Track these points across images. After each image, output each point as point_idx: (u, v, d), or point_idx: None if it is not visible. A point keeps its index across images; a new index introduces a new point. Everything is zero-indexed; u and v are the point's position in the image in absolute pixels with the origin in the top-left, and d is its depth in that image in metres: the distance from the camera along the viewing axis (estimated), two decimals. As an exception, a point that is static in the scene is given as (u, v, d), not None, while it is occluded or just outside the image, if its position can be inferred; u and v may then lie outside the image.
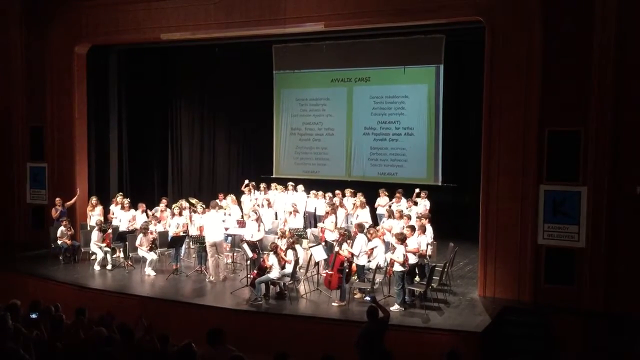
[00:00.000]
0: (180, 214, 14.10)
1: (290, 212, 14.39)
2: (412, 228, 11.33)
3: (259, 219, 13.08)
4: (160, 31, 14.63)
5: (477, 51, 12.41)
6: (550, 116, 10.81)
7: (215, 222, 12.66)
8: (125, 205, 14.46)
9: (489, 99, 11.39)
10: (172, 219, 14.04)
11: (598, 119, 10.44)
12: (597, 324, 10.19)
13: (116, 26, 15.03)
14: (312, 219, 15.76)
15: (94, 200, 14.84)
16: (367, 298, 10.87)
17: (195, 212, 14.17)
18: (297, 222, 14.29)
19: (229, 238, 13.72)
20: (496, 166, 11.32)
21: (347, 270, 11.05)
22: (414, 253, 11.05)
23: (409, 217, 12.86)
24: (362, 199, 14.51)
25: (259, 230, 12.94)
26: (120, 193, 15.70)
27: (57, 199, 14.97)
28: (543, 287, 10.96)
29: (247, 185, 16.39)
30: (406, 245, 10.85)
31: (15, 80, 16.01)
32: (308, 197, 16.00)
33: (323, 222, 13.75)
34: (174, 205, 14.53)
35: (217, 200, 14.58)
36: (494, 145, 11.35)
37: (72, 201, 15.18)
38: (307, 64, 18.00)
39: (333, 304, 11.01)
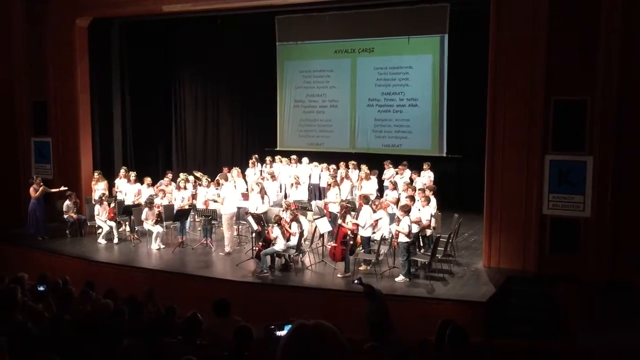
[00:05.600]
0: (185, 187, 14.15)
1: (292, 184, 14.38)
2: (412, 198, 11.32)
3: (262, 192, 13.08)
4: (162, 3, 14.47)
5: (482, 20, 12.25)
6: (557, 85, 10.69)
7: (234, 194, 12.79)
8: (131, 178, 14.51)
9: (494, 68, 11.27)
10: (177, 193, 14.08)
11: (605, 88, 10.32)
12: (601, 293, 10.21)
13: (117, -2, 14.90)
14: (317, 191, 15.76)
15: (96, 174, 14.85)
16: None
17: (200, 185, 14.20)
18: (301, 194, 14.25)
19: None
20: (501, 136, 11.25)
21: (351, 242, 11.10)
22: (417, 223, 11.07)
23: (414, 189, 12.86)
24: (367, 170, 14.49)
25: (263, 203, 12.96)
26: (124, 167, 15.70)
27: (38, 178, 14.47)
28: (548, 257, 10.97)
29: (251, 159, 16.42)
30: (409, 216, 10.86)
31: (17, 55, 15.91)
32: (315, 167, 15.97)
33: (327, 196, 13.74)
34: (178, 179, 14.56)
35: (229, 173, 14.60)
36: (499, 115, 11.26)
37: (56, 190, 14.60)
38: (310, 35, 17.83)
39: (338, 275, 11.06)
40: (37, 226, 14.09)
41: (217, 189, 13.20)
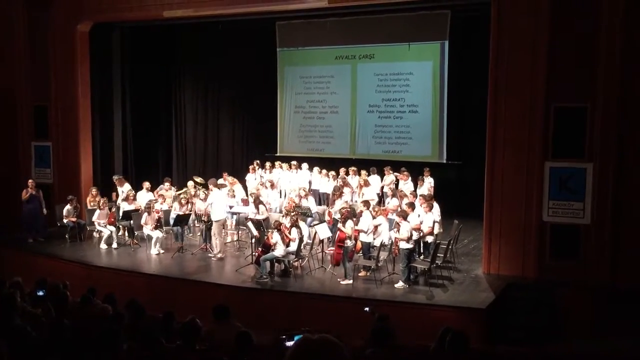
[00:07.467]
0: (187, 202, 13.81)
1: (301, 197, 13.89)
2: (412, 205, 11.31)
3: (256, 202, 12.95)
4: (163, 8, 14.50)
5: (482, 27, 12.29)
6: (557, 92, 10.70)
7: (221, 201, 12.70)
8: (129, 197, 13.98)
9: (494, 75, 11.28)
10: (177, 204, 13.88)
11: (605, 95, 10.34)
12: (601, 299, 10.20)
13: (118, 3, 14.90)
14: (317, 197, 15.73)
15: (93, 190, 14.48)
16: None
17: (197, 195, 13.96)
18: (312, 203, 13.88)
19: (234, 216, 13.73)
20: (502, 143, 11.25)
21: (352, 248, 11.08)
22: (416, 230, 11.05)
23: (415, 196, 12.83)
24: (366, 177, 14.47)
25: (258, 213, 12.82)
26: (116, 175, 15.61)
27: (30, 180, 14.67)
28: (547, 264, 10.95)
29: (251, 164, 16.38)
30: (408, 222, 10.84)
31: (19, 59, 15.93)
32: (319, 175, 15.88)
33: (332, 207, 13.45)
34: (181, 195, 14.34)
35: (221, 179, 14.54)
36: (499, 122, 11.26)
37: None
38: (311, 41, 17.87)
39: (338, 280, 11.04)
40: (28, 226, 14.22)
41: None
